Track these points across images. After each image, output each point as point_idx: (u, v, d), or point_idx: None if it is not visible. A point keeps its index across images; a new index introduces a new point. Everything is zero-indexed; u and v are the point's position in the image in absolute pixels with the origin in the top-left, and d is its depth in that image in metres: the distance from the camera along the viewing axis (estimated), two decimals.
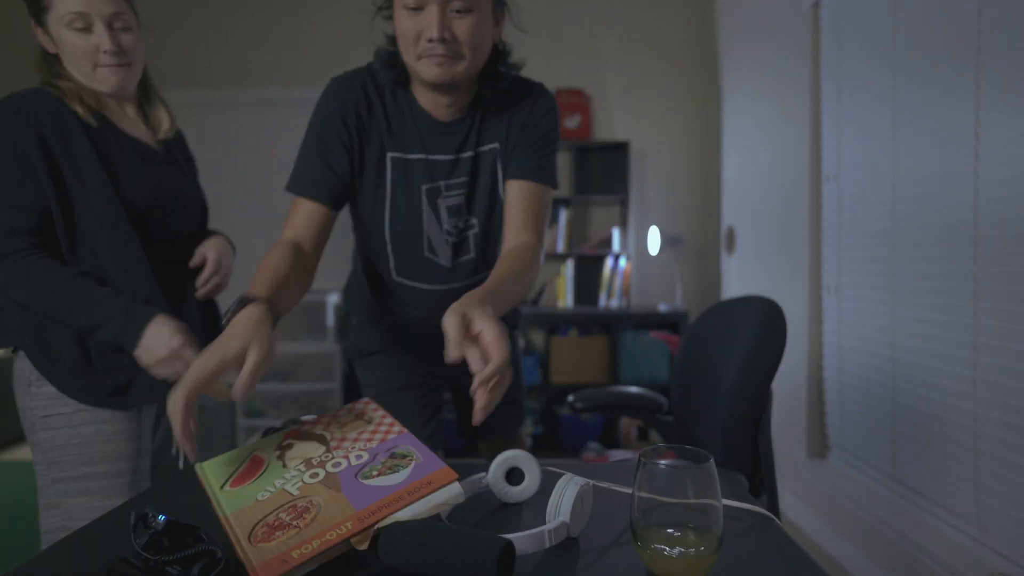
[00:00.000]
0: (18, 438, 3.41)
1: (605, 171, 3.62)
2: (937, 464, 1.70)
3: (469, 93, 1.11)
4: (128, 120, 1.24)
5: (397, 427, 0.79)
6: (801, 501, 2.41)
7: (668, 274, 3.63)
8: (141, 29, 1.21)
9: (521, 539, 0.62)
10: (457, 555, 0.55)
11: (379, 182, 1.13)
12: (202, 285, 1.24)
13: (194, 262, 1.25)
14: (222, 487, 0.72)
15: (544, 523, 0.65)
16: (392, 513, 0.64)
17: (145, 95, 1.29)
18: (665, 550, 0.56)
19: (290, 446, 0.78)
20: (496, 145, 1.14)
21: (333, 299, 3.41)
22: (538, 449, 3.34)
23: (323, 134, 1.09)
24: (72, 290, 1.08)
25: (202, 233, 1.31)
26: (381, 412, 0.83)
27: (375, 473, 0.70)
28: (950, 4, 1.63)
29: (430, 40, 0.98)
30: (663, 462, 0.58)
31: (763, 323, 1.19)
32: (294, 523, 0.64)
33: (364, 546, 0.62)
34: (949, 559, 1.59)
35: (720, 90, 3.44)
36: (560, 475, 0.70)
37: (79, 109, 1.14)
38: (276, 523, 0.64)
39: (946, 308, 1.66)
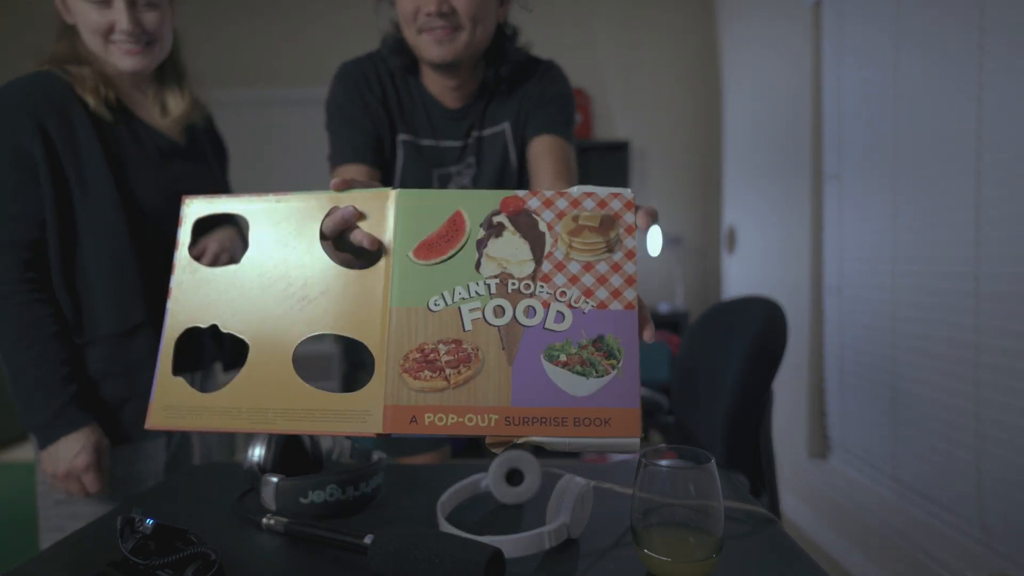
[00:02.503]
0: (17, 437, 3.40)
1: (605, 171, 3.61)
2: (939, 464, 1.70)
3: (475, 78, 1.11)
4: (148, 106, 1.12)
5: (631, 290, 0.57)
6: (802, 501, 2.40)
7: (668, 274, 3.62)
8: (174, 4, 1.09)
9: (521, 541, 0.62)
10: (445, 565, 0.55)
11: (390, 164, 1.13)
12: None
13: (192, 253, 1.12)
14: (409, 249, 0.60)
15: (544, 524, 0.65)
16: (542, 436, 0.54)
17: (159, 75, 1.13)
18: (666, 551, 0.56)
19: (499, 230, 0.60)
20: (506, 124, 1.14)
21: None
22: (538, 450, 3.33)
23: (343, 108, 1.09)
24: (29, 356, 0.95)
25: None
26: (632, 241, 0.59)
27: (563, 358, 0.55)
28: (951, 2, 1.62)
29: (428, 14, 0.98)
30: (664, 463, 0.57)
31: (764, 323, 1.18)
32: (447, 372, 0.55)
33: (498, 450, 0.54)
34: (951, 560, 1.58)
35: (721, 90, 3.43)
36: (560, 476, 0.70)
37: (91, 99, 1.01)
38: (432, 357, 0.56)
39: (947, 308, 1.65)
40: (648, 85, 3.67)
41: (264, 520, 0.69)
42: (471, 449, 2.83)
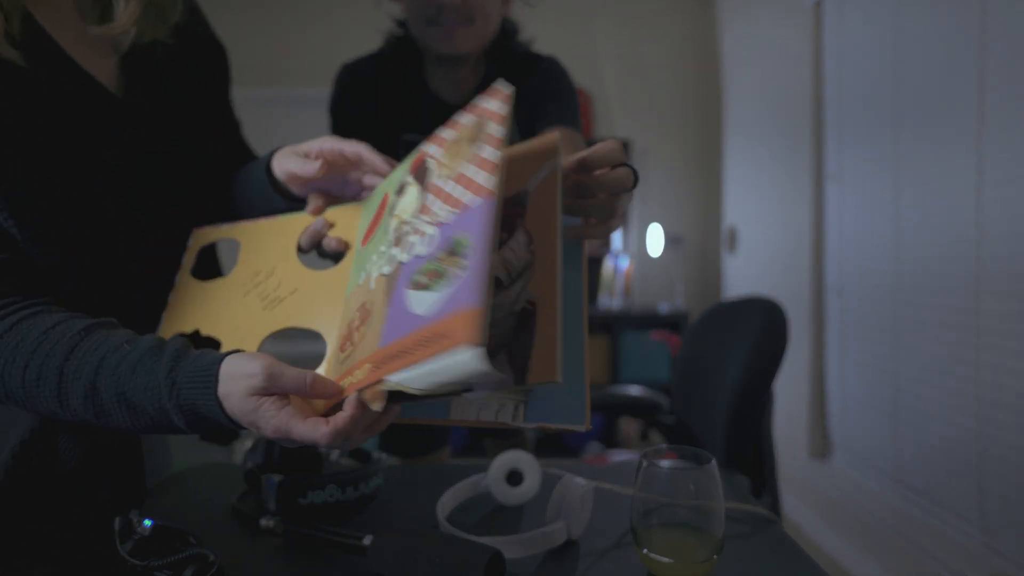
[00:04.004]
0: None
1: None
2: (940, 465, 1.70)
3: (477, 73, 1.11)
4: (76, 30, 0.63)
5: (491, 177, 0.47)
6: (803, 502, 2.40)
7: (668, 274, 3.62)
8: None
9: (521, 542, 0.62)
10: (445, 565, 0.55)
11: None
12: None
13: None
14: (360, 242, 0.64)
15: (544, 525, 0.65)
16: (393, 373, 0.44)
17: None
18: (666, 552, 0.56)
19: (405, 188, 0.60)
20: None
21: None
22: (539, 450, 3.32)
23: (346, 111, 1.10)
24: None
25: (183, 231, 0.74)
26: (498, 128, 0.50)
27: (423, 280, 0.48)
28: (952, 1, 1.62)
29: (440, 7, 0.98)
30: (664, 463, 0.57)
31: (765, 323, 1.18)
32: (355, 336, 0.54)
33: (376, 406, 0.47)
34: (952, 560, 1.58)
35: (721, 89, 3.43)
36: (560, 476, 0.70)
37: None
38: (353, 326, 0.55)
39: (948, 307, 1.65)
40: (648, 85, 3.66)
41: (263, 521, 0.69)
42: (471, 449, 2.83)
